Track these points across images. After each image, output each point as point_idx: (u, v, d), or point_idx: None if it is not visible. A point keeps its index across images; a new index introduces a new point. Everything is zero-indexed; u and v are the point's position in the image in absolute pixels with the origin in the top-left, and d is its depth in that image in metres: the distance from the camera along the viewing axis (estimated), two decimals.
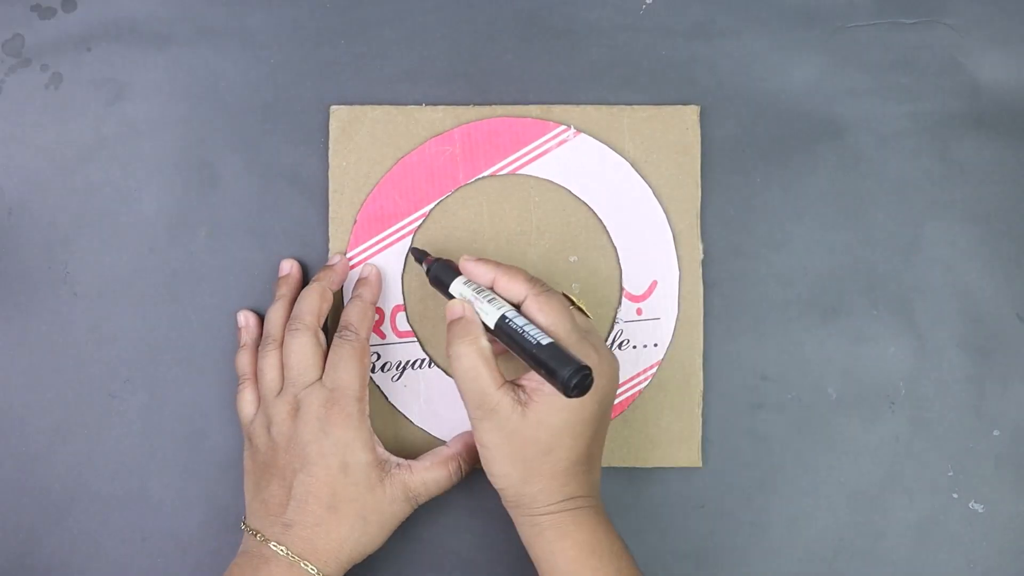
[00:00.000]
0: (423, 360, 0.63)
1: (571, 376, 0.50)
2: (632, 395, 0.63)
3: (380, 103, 0.64)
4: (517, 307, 0.56)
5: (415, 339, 0.63)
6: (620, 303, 0.63)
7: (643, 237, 0.63)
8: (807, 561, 0.63)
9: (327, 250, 0.63)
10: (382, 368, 0.63)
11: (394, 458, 0.59)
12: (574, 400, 0.52)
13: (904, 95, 0.65)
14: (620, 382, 0.62)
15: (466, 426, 0.62)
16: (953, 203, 0.65)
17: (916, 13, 0.65)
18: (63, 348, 0.63)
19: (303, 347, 0.58)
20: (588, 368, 0.51)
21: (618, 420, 0.63)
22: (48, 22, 0.64)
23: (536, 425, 0.54)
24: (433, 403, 0.63)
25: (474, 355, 0.55)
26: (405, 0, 0.65)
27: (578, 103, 0.64)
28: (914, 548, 0.63)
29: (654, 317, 0.63)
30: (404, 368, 0.63)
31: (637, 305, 0.63)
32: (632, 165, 0.63)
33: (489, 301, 0.56)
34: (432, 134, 0.63)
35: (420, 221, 0.63)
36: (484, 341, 0.55)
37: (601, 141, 0.64)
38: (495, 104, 0.64)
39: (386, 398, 0.63)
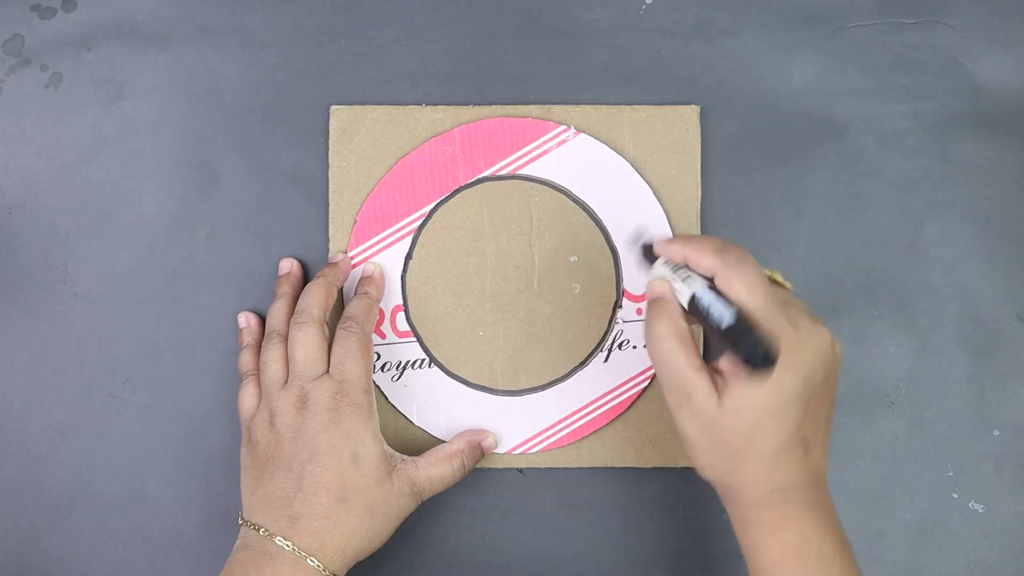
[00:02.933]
0: (423, 360, 0.63)
1: (751, 350, 0.47)
2: (632, 395, 0.63)
3: (380, 103, 0.64)
4: (711, 281, 0.51)
5: (415, 339, 0.63)
6: (620, 303, 0.63)
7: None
8: None
9: (327, 250, 0.63)
10: (382, 368, 0.63)
11: (399, 454, 0.59)
12: (770, 381, 0.48)
13: (904, 95, 0.65)
14: (624, 381, 0.63)
15: (467, 425, 0.62)
16: (953, 203, 0.65)
17: (916, 13, 0.65)
18: (63, 348, 0.63)
19: (310, 340, 0.58)
20: (770, 341, 0.48)
21: (618, 420, 0.63)
22: (48, 22, 0.64)
23: (734, 412, 0.49)
24: (433, 403, 0.63)
25: (671, 336, 0.51)
26: (405, 0, 0.65)
27: (578, 103, 0.64)
28: (914, 548, 0.63)
29: None
30: (404, 368, 0.63)
31: (637, 305, 0.63)
32: (632, 165, 0.63)
33: (684, 280, 0.52)
34: (432, 134, 0.63)
35: (420, 221, 0.63)
36: (682, 322, 0.51)
37: (601, 141, 0.64)
38: (495, 104, 0.64)
39: (386, 398, 0.63)
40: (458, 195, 0.63)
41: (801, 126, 0.65)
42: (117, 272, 0.63)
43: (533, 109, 0.64)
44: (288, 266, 0.63)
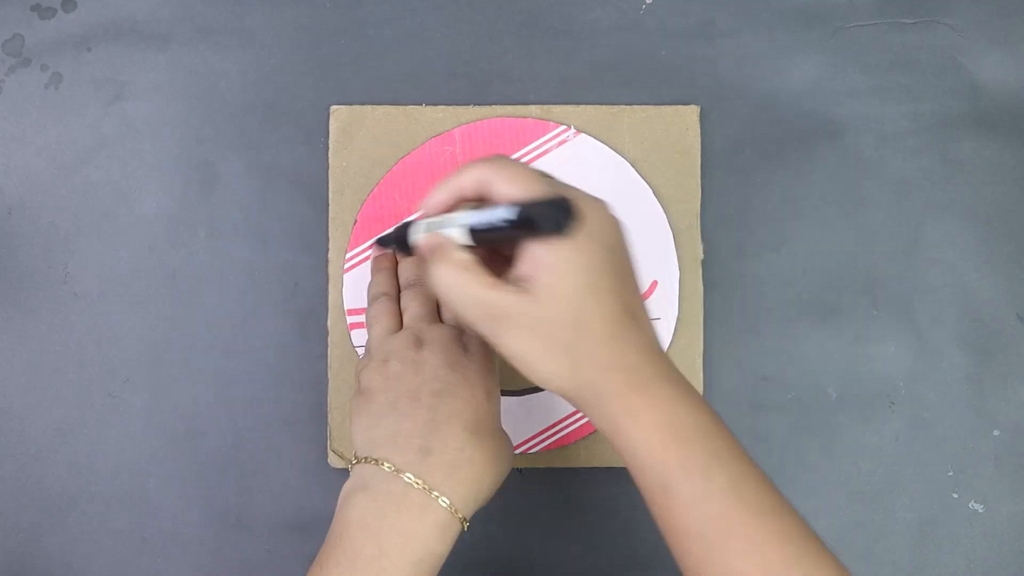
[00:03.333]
0: None
1: (548, 213, 0.44)
2: None
3: (380, 103, 0.64)
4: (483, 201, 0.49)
5: None
6: None
7: (643, 237, 0.63)
8: None
9: (327, 250, 0.63)
10: None
11: None
12: (575, 252, 0.45)
13: (904, 95, 0.65)
14: None
15: None
16: (953, 203, 0.65)
17: (916, 13, 0.65)
18: (63, 348, 0.63)
19: (426, 296, 0.56)
20: (564, 199, 0.45)
21: None
22: (48, 22, 0.64)
23: (551, 301, 0.45)
24: None
25: (452, 268, 0.48)
26: (405, 0, 0.65)
27: (578, 103, 0.64)
28: (914, 548, 0.63)
29: (654, 317, 0.63)
30: None
31: None
32: (632, 165, 0.63)
33: (447, 224, 0.49)
34: (432, 134, 0.63)
35: None
36: (460, 253, 0.48)
37: (601, 141, 0.64)
38: (495, 104, 0.64)
39: None
40: None
41: (801, 126, 0.65)
42: (117, 272, 0.63)
43: (533, 109, 0.64)
44: (381, 250, 0.61)
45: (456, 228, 0.48)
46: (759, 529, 0.44)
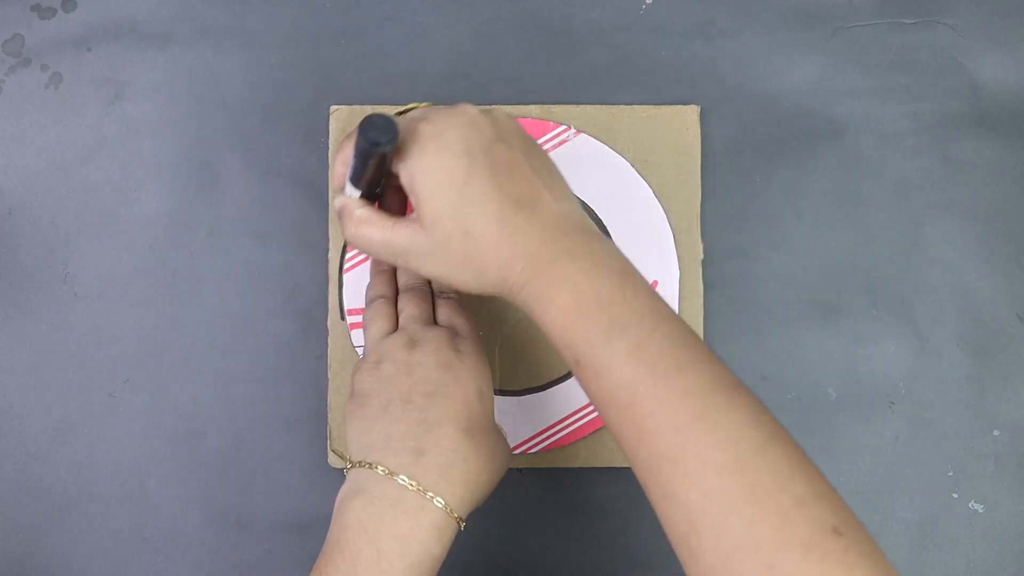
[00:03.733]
0: None
1: (360, 130, 0.46)
2: None
3: (380, 103, 0.64)
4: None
5: None
6: None
7: (643, 237, 0.63)
8: None
9: (327, 250, 0.63)
10: None
11: None
12: (434, 176, 0.47)
13: (904, 95, 0.65)
14: None
15: None
16: (953, 203, 0.65)
17: (916, 13, 0.65)
18: (63, 348, 0.63)
19: (423, 298, 0.56)
20: (377, 116, 0.46)
21: None
22: (48, 22, 0.64)
23: (435, 223, 0.48)
24: None
25: (355, 223, 0.51)
26: (405, 0, 0.65)
27: (578, 103, 0.64)
28: (914, 548, 0.63)
29: None
30: None
31: None
32: (632, 165, 0.63)
33: (344, 186, 0.53)
34: None
35: None
36: (360, 211, 0.51)
37: (601, 141, 0.64)
38: (495, 104, 0.64)
39: None
40: None
41: (801, 126, 0.65)
42: (117, 272, 0.63)
43: (533, 109, 0.64)
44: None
45: (348, 187, 0.52)
46: (664, 387, 0.44)
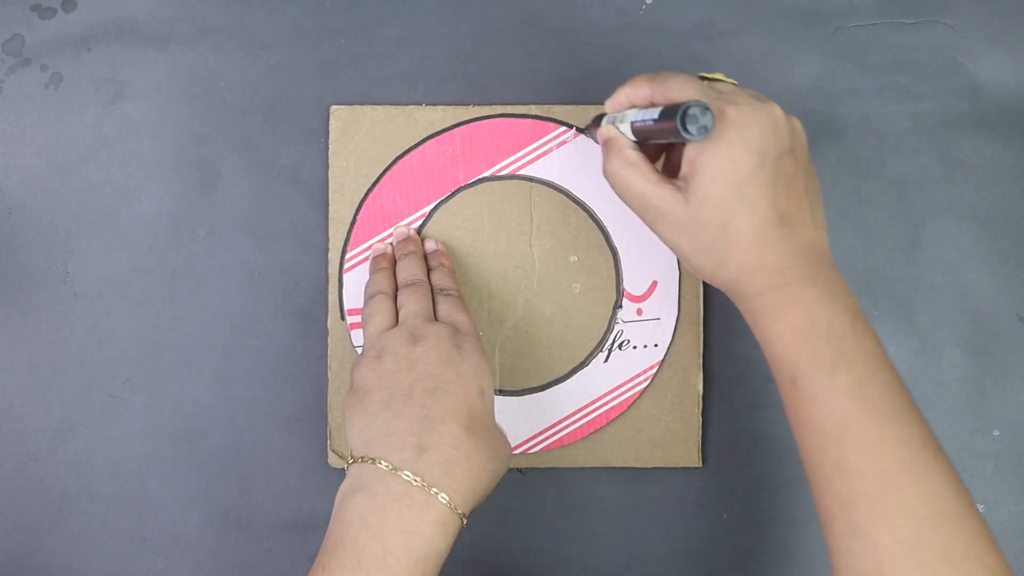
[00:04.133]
0: None
1: (683, 115, 0.47)
2: (632, 395, 0.63)
3: (380, 103, 0.64)
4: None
5: None
6: (620, 303, 0.63)
7: (643, 237, 0.63)
8: (807, 561, 0.63)
9: (327, 250, 0.63)
10: None
11: None
12: (723, 159, 0.48)
13: (904, 95, 0.65)
14: (624, 381, 0.63)
15: None
16: (953, 203, 0.65)
17: (916, 13, 0.65)
18: (63, 348, 0.63)
19: (423, 295, 0.57)
20: (700, 102, 0.48)
21: (618, 420, 0.63)
22: (48, 22, 0.64)
23: (700, 203, 0.49)
24: None
25: (621, 166, 0.52)
26: (405, 0, 0.65)
27: (578, 103, 0.64)
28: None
29: (654, 317, 0.63)
30: None
31: (637, 305, 0.63)
32: None
33: (622, 119, 0.54)
34: (432, 134, 0.63)
35: (420, 221, 0.63)
36: (631, 152, 0.52)
37: None
38: (495, 104, 0.64)
39: None
40: (458, 195, 0.63)
41: None
42: (117, 272, 0.63)
43: (533, 109, 0.64)
44: (384, 248, 0.62)
45: (626, 124, 0.53)
46: (878, 430, 0.46)
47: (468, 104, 0.64)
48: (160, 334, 0.63)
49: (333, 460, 0.62)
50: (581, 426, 0.63)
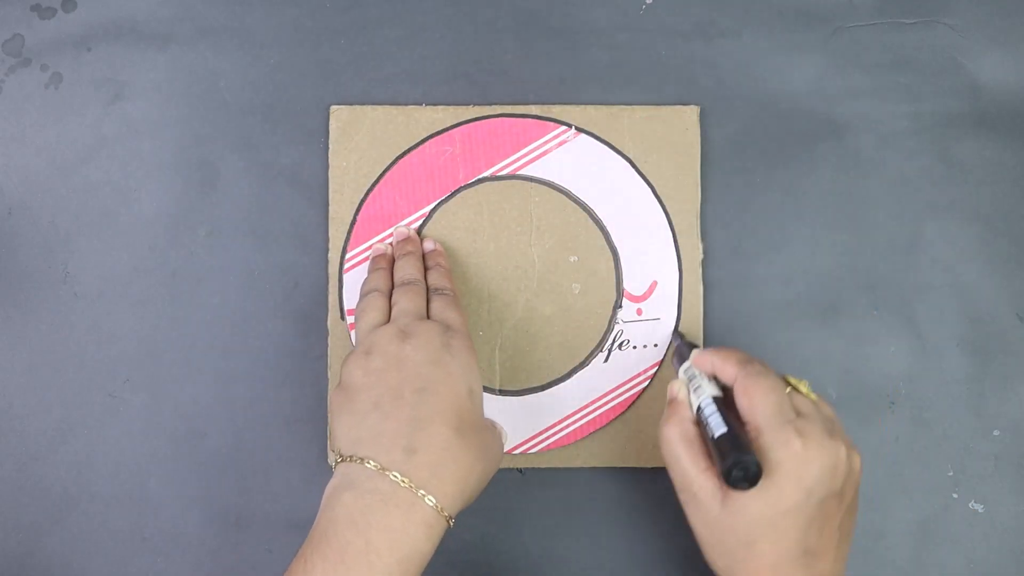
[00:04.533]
0: None
1: (729, 467, 0.49)
2: (632, 395, 0.63)
3: (380, 103, 0.64)
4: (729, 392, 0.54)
5: None
6: (620, 303, 0.63)
7: (643, 237, 0.63)
8: None
9: (327, 250, 0.63)
10: None
11: None
12: (770, 491, 0.50)
13: (904, 95, 0.65)
14: (624, 381, 0.63)
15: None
16: (953, 203, 0.65)
17: (916, 13, 0.65)
18: (63, 348, 0.63)
19: (418, 293, 0.57)
20: (750, 458, 0.49)
21: (618, 420, 0.63)
22: (48, 22, 0.64)
23: (734, 515, 0.51)
24: None
25: (676, 438, 0.53)
26: (405, 0, 0.65)
27: (578, 103, 0.64)
28: (914, 548, 0.63)
29: (654, 317, 0.63)
30: None
31: (637, 305, 0.63)
32: (632, 165, 0.64)
33: (696, 389, 0.55)
34: (432, 134, 0.63)
35: (420, 221, 0.63)
36: (690, 425, 0.54)
37: (601, 141, 0.64)
38: (495, 104, 0.64)
39: None
40: (458, 195, 0.63)
41: (801, 126, 0.65)
42: (117, 272, 0.63)
43: (533, 109, 0.64)
44: (384, 248, 0.62)
45: (696, 398, 0.54)
46: None
47: (468, 104, 0.64)
48: (160, 334, 0.63)
49: (333, 460, 0.62)
50: (581, 426, 0.63)
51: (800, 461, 0.50)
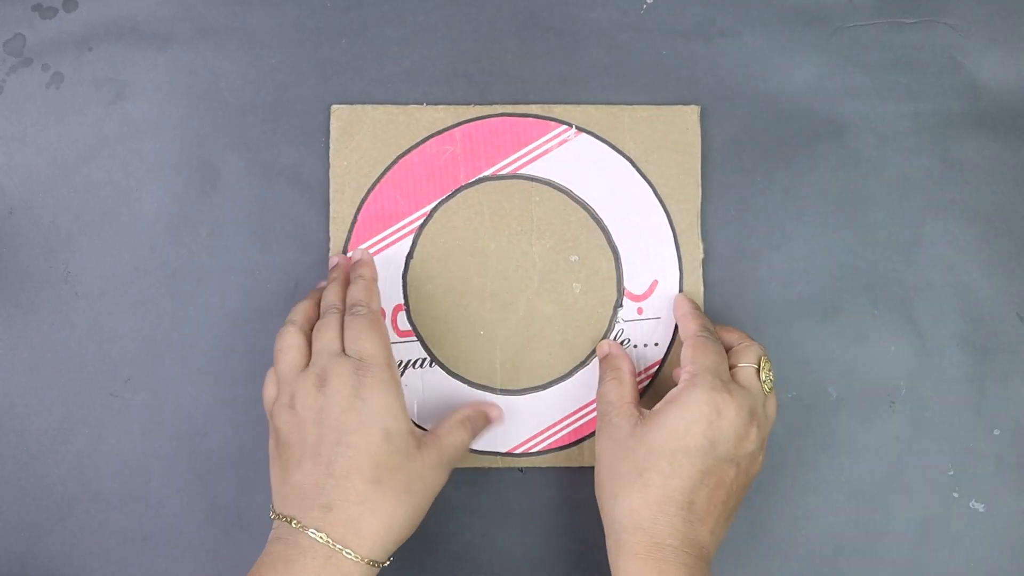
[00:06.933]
0: (424, 359, 0.63)
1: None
2: None
3: (381, 103, 0.64)
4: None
5: (416, 338, 0.63)
6: (621, 303, 0.63)
7: (643, 237, 0.64)
8: (807, 561, 0.63)
9: (327, 249, 0.63)
10: None
11: (417, 428, 0.56)
12: (678, 422, 0.54)
13: (904, 95, 0.65)
14: None
15: None
16: (953, 203, 0.65)
17: (916, 13, 0.65)
18: (64, 348, 0.63)
19: (333, 325, 0.57)
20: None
21: None
22: (49, 22, 0.64)
23: (638, 439, 0.54)
24: (434, 402, 0.63)
25: (611, 378, 0.59)
26: (405, 0, 0.65)
27: (578, 103, 0.64)
28: (914, 547, 0.63)
29: (655, 316, 0.63)
30: (405, 367, 0.63)
31: (638, 305, 0.63)
32: (632, 165, 0.64)
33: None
34: (433, 133, 0.64)
35: (421, 221, 0.63)
36: (628, 375, 0.59)
37: (602, 141, 0.64)
38: (496, 104, 0.64)
39: None
40: (459, 194, 0.63)
41: (801, 126, 0.65)
42: (118, 271, 0.64)
43: (534, 109, 0.64)
44: (336, 260, 0.62)
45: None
46: None
47: (469, 103, 0.64)
48: (161, 334, 0.63)
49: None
50: (581, 426, 0.63)
51: (717, 412, 0.54)
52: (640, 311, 0.63)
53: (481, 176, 0.64)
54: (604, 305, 0.63)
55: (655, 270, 0.63)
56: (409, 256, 0.63)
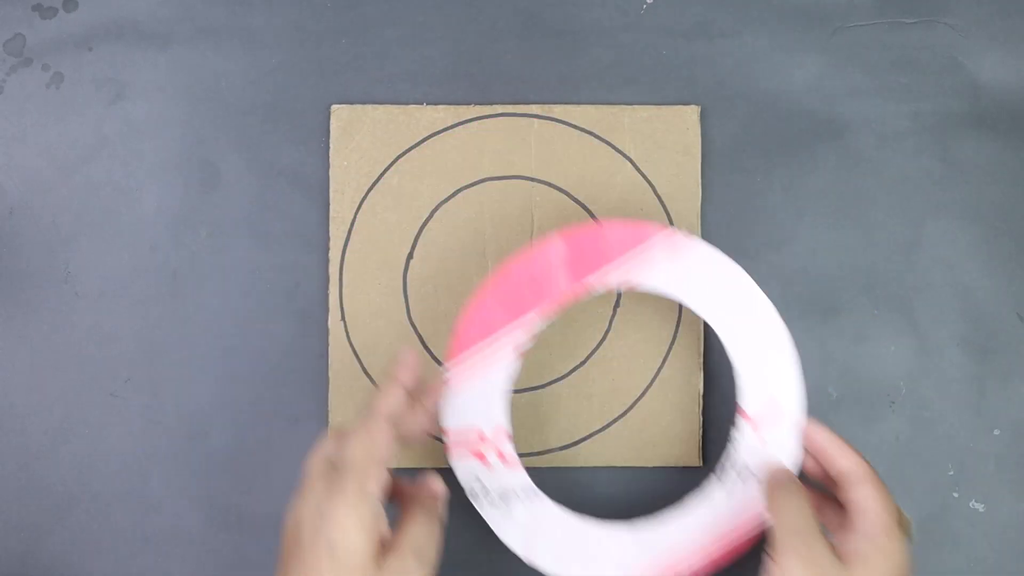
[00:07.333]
0: (529, 488, 0.58)
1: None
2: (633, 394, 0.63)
3: (381, 103, 0.64)
4: None
5: (521, 468, 0.59)
6: (620, 302, 0.63)
7: None
8: None
9: (328, 249, 0.63)
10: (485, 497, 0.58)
11: (388, 536, 0.50)
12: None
13: (904, 95, 0.65)
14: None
15: (574, 558, 0.58)
16: (953, 203, 0.65)
17: (916, 13, 0.65)
18: (64, 348, 0.63)
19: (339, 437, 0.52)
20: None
21: (618, 420, 0.63)
22: (49, 22, 0.64)
23: None
24: (541, 535, 0.58)
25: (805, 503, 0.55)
26: (405, 0, 0.65)
27: (578, 103, 0.64)
28: (914, 547, 0.63)
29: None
30: (508, 498, 0.58)
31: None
32: (633, 165, 0.64)
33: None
34: (433, 133, 0.64)
35: (421, 220, 0.63)
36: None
37: (601, 141, 0.64)
38: (496, 104, 0.64)
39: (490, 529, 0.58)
40: (459, 194, 0.63)
41: (801, 126, 0.65)
42: (118, 272, 0.64)
43: (534, 108, 0.64)
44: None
45: None
46: None
47: (469, 103, 0.64)
48: (161, 334, 0.64)
49: None
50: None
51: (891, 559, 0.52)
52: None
53: (481, 176, 0.64)
54: (604, 305, 0.63)
55: None
56: (409, 256, 0.63)
